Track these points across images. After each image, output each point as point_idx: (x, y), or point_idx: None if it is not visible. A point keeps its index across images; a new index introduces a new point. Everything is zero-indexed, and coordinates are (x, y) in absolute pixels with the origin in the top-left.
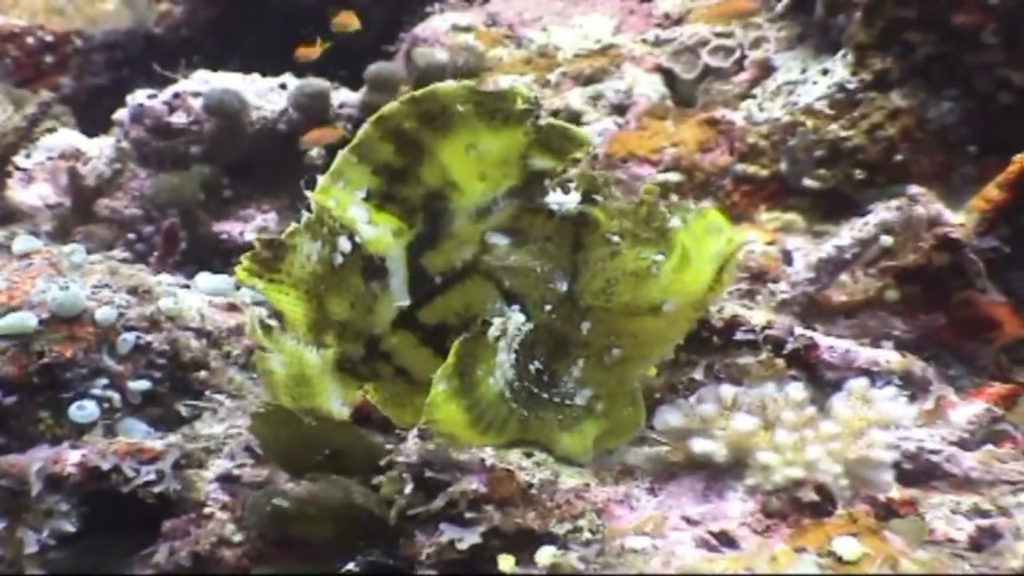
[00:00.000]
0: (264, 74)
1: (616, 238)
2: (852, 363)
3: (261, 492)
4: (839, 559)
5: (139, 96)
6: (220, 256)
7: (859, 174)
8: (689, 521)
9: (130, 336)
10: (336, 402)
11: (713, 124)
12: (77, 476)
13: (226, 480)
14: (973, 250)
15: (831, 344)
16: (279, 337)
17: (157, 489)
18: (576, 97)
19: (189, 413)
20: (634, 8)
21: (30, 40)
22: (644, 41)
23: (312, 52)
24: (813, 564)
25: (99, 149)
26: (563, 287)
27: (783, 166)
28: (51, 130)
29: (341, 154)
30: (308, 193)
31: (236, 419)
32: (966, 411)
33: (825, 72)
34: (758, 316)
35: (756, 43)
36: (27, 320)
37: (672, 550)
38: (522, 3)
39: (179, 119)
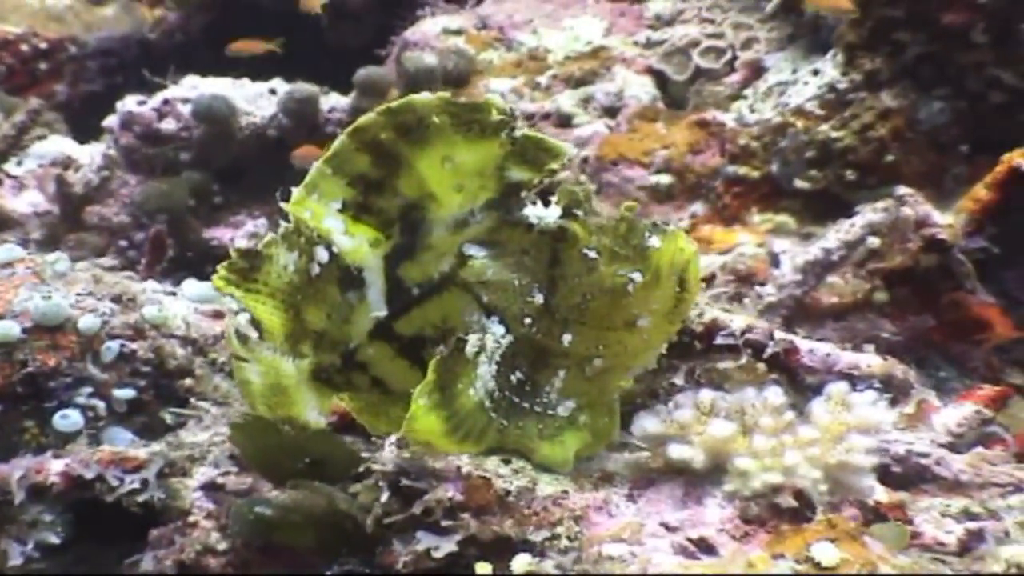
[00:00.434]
0: (255, 79)
1: (593, 254)
2: (833, 367)
3: (244, 500)
4: (817, 565)
5: (128, 103)
6: (211, 262)
7: (850, 175)
8: (667, 528)
9: (114, 344)
10: (312, 411)
11: (704, 126)
12: (60, 485)
13: (211, 488)
14: (961, 251)
15: (811, 347)
16: (255, 347)
17: (141, 498)
18: (567, 100)
19: (174, 421)
20: (625, 10)
21: (24, 47)
22: (635, 43)
23: (252, 47)
24: (790, 570)
25: (89, 156)
26: (540, 300)
27: (774, 167)
28: (41, 137)
29: (316, 166)
30: (283, 205)
31: (221, 427)
32: (955, 413)
33: (815, 72)
34: (738, 320)
35: (747, 44)
36: (10, 329)
37: (649, 557)
38: (512, 6)
39: (169, 125)
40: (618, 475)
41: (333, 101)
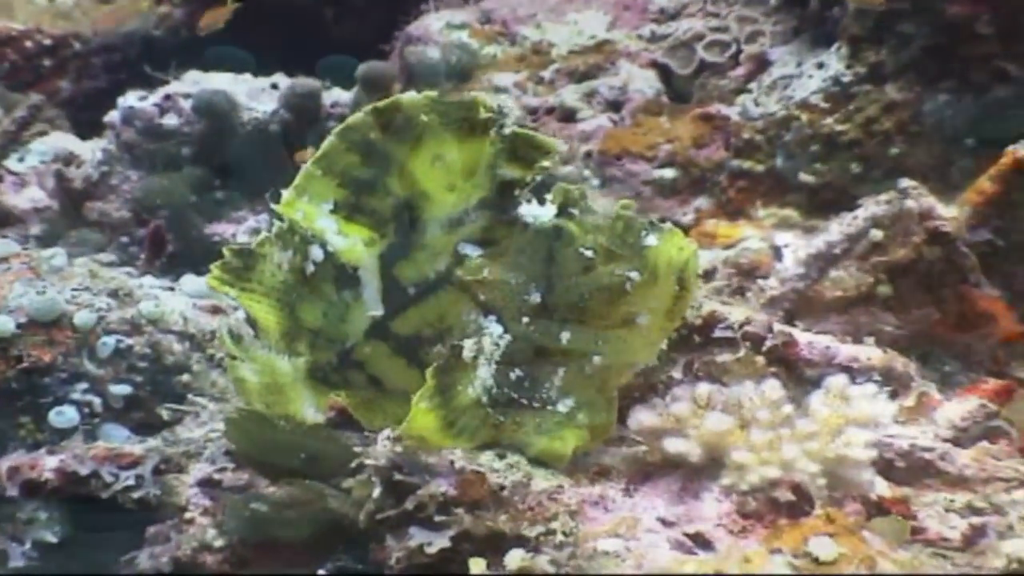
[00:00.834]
0: (256, 75)
1: (590, 253)
2: (832, 360)
3: (240, 496)
4: (815, 560)
5: (130, 98)
6: (213, 258)
7: (855, 168)
8: (664, 523)
9: (110, 340)
10: (309, 410)
11: (708, 120)
12: (55, 482)
13: (207, 485)
14: (966, 244)
15: (811, 340)
16: (250, 345)
17: (137, 494)
18: (570, 94)
19: (171, 417)
20: (629, 4)
21: (28, 44)
22: (639, 37)
23: (220, 15)
24: (786, 565)
25: (91, 152)
26: (537, 299)
27: (779, 161)
28: (43, 133)
29: (305, 167)
30: (274, 206)
31: (217, 423)
32: (959, 408)
33: (820, 66)
34: (737, 313)
35: (752, 37)
36: (5, 324)
37: (645, 552)
38: (516, 0)
39: (170, 121)
40: (614, 469)
41: (336, 96)
